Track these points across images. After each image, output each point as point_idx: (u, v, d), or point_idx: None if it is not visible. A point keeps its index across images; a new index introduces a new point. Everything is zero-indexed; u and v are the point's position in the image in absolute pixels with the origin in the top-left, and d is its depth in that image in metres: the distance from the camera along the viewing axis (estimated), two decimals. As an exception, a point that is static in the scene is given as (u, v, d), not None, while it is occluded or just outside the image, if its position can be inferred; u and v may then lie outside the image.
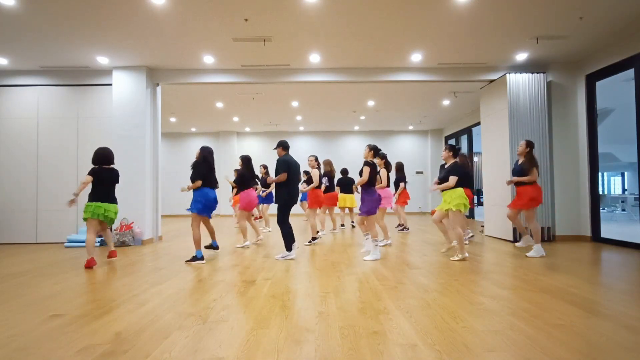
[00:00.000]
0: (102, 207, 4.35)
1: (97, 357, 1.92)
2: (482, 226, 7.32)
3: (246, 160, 5.73)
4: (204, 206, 4.50)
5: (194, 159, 4.63)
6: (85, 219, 4.36)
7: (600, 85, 6.00)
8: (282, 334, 2.21)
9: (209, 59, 6.06)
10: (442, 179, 4.61)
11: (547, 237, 6.06)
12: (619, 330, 2.22)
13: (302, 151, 12.83)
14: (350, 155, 12.98)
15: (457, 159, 4.70)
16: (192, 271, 4.00)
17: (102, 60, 6.04)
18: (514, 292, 3.07)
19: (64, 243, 6.35)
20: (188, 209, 4.57)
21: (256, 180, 6.84)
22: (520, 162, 4.86)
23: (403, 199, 7.27)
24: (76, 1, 4.23)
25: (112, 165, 4.59)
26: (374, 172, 4.60)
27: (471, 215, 11.04)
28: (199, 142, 13.16)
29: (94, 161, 4.47)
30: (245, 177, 5.64)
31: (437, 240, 6.14)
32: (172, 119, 10.89)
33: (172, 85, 7.09)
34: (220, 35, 5.16)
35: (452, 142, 12.27)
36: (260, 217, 9.56)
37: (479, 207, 13.72)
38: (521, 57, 6.07)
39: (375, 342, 2.07)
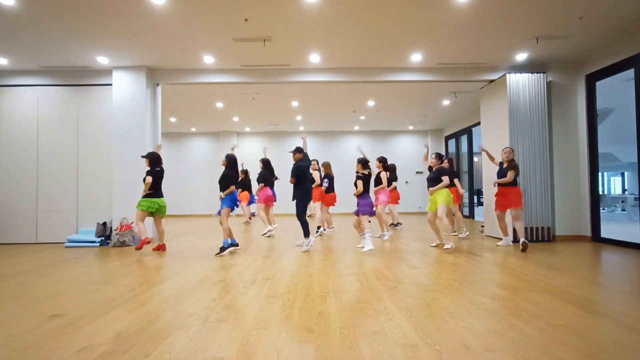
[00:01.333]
0: (156, 202, 5.26)
1: (97, 357, 1.92)
2: (482, 226, 7.32)
3: (265, 163, 7.11)
4: (230, 201, 5.24)
5: (223, 167, 5.33)
6: (140, 209, 5.20)
7: (600, 85, 6.00)
8: (282, 334, 2.21)
9: (209, 59, 6.06)
10: (432, 179, 5.38)
11: (547, 237, 6.05)
12: (619, 330, 2.22)
13: (302, 151, 12.80)
14: (350, 155, 12.96)
15: (445, 163, 5.64)
16: (192, 271, 4.00)
17: (102, 60, 6.04)
18: (514, 292, 3.07)
19: (64, 243, 6.35)
20: (218, 212, 5.29)
21: (273, 179, 7.74)
22: (505, 166, 5.42)
23: (395, 198, 7.62)
24: (76, 1, 4.23)
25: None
26: (367, 183, 5.40)
27: (471, 215, 11.04)
28: (199, 142, 13.17)
29: (151, 164, 5.29)
30: (265, 176, 7.08)
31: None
32: (172, 119, 10.89)
33: (172, 85, 7.09)
34: (220, 35, 5.16)
35: (452, 142, 12.35)
36: (251, 218, 9.83)
37: (479, 207, 13.71)
38: (521, 57, 6.07)
39: (375, 342, 2.07)
